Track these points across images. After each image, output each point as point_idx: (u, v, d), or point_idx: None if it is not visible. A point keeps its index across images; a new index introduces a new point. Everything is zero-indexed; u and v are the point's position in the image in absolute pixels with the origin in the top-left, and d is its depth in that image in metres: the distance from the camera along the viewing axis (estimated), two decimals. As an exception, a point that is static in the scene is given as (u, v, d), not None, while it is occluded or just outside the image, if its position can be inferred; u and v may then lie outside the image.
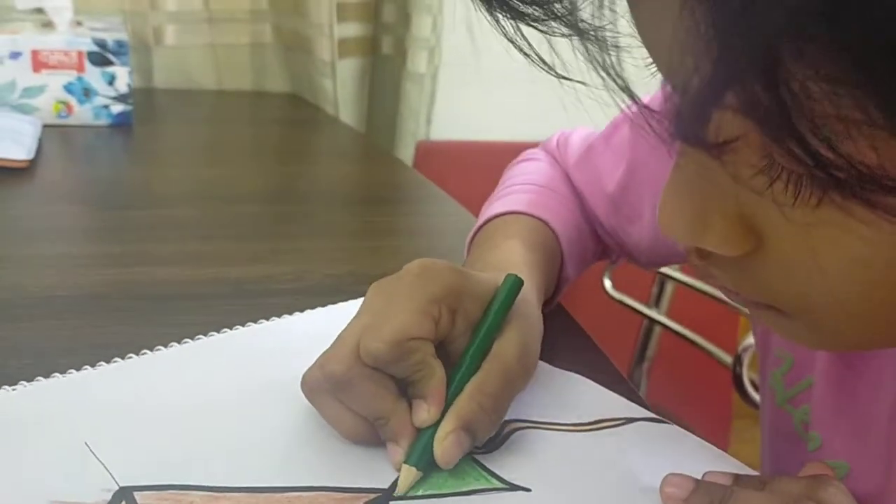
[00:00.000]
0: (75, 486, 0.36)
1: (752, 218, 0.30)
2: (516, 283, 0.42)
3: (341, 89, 1.41)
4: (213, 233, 0.74)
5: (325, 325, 0.53)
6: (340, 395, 0.39)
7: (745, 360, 0.85)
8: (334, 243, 0.75)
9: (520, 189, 0.63)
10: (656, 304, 1.23)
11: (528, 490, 0.39)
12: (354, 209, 0.88)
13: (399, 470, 0.39)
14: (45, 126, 1.01)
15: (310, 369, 0.40)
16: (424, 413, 0.39)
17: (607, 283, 1.22)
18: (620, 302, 1.21)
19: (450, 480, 0.39)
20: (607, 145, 0.62)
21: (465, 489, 0.39)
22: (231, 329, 0.51)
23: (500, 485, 0.39)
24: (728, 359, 0.96)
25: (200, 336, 0.50)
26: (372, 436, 0.40)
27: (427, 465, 0.39)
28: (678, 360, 1.34)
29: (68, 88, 1.06)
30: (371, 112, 1.50)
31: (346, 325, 0.41)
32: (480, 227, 0.60)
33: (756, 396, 0.84)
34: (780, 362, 0.51)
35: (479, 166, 1.06)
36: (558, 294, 0.59)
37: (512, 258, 0.52)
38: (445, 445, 0.39)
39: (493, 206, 0.62)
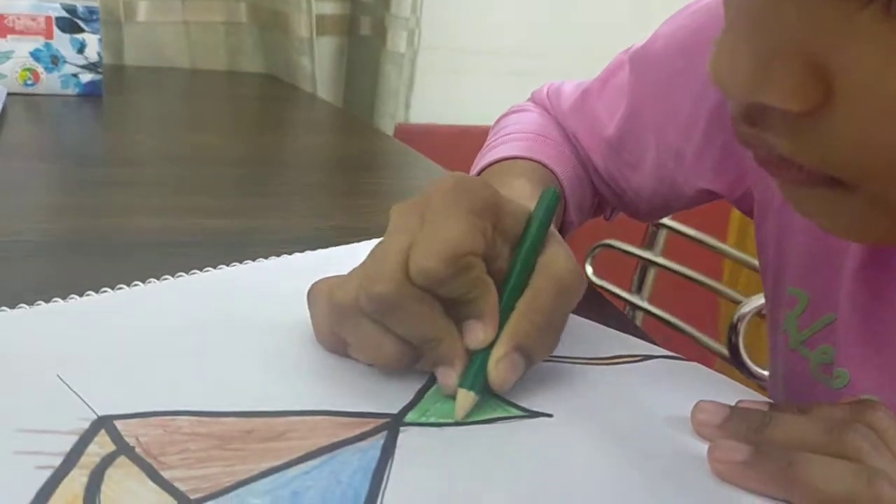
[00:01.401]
0: (48, 415, 0.32)
1: (824, 64, 0.27)
2: (556, 196, 0.39)
3: (319, 68, 1.37)
4: (191, 189, 0.70)
5: (322, 264, 0.50)
6: (386, 318, 0.35)
7: (742, 329, 0.82)
8: (318, 201, 0.72)
9: (514, 137, 0.60)
10: (638, 290, 1.21)
11: (549, 416, 0.35)
12: (336, 173, 0.85)
13: (450, 394, 0.36)
14: (10, 95, 0.96)
15: (339, 292, 0.36)
16: (481, 333, 0.36)
17: (588, 269, 1.19)
18: (602, 288, 1.19)
19: (464, 409, 0.36)
20: (604, 88, 0.59)
21: (482, 418, 0.35)
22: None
23: (519, 413, 0.36)
24: (711, 342, 0.94)
25: (182, 274, 0.46)
26: (413, 362, 0.36)
27: (482, 388, 0.35)
28: (660, 346, 1.33)
29: (35, 55, 1.01)
30: (348, 93, 1.47)
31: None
32: (478, 174, 0.57)
33: (754, 367, 0.82)
34: (794, 302, 0.48)
35: (457, 150, 1.04)
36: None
37: (522, 196, 0.49)
38: (500, 369, 0.35)
39: (489, 155, 0.59)
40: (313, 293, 0.39)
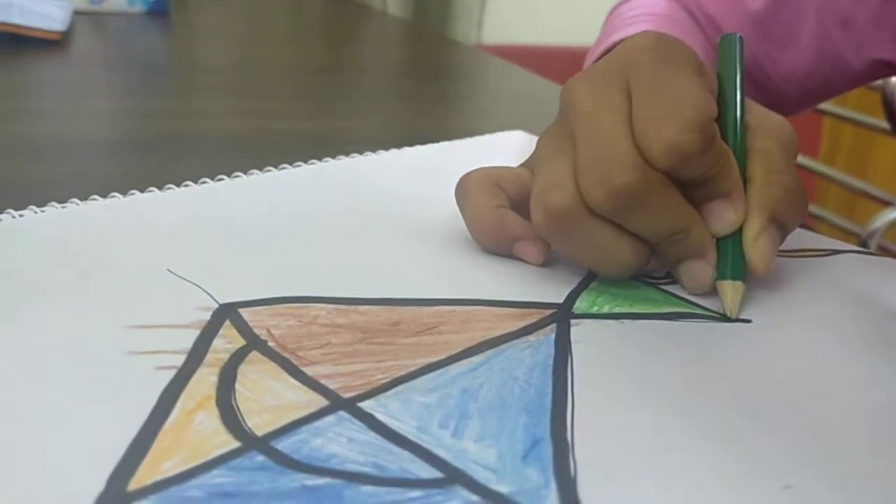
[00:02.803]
0: (161, 308, 0.27)
1: None
2: (741, 39, 0.33)
3: (388, -15, 1.31)
4: (272, 94, 0.65)
5: (436, 158, 0.45)
6: (628, 214, 0.28)
7: (872, 246, 0.75)
8: (410, 106, 0.66)
9: (639, 19, 0.53)
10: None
11: (747, 321, 0.29)
12: (418, 80, 0.79)
13: (702, 291, 0.31)
14: (76, 14, 0.92)
15: (555, 195, 0.28)
16: (731, 213, 0.30)
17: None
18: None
19: (640, 301, 0.30)
20: None
21: (661, 311, 0.29)
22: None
23: (706, 311, 0.30)
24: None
25: (286, 166, 0.41)
26: (646, 263, 0.30)
27: (744, 276, 0.30)
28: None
29: (99, -30, 0.97)
30: (418, 14, 1.40)
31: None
32: (600, 58, 0.51)
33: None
34: None
35: (534, 71, 0.98)
36: None
37: None
38: (761, 247, 0.30)
39: (613, 36, 0.52)
40: (464, 186, 0.33)
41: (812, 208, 0.98)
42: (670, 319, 0.29)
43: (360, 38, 1.03)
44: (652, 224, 0.29)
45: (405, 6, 1.38)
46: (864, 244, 0.76)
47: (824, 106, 0.94)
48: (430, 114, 0.63)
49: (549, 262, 0.32)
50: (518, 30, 1.46)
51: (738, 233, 0.30)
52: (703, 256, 0.30)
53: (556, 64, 1.13)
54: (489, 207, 0.32)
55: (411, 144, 0.47)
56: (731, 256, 0.30)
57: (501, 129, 0.52)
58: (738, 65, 0.32)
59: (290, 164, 0.42)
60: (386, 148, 0.46)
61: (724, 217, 0.30)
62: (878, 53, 0.46)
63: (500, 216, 0.32)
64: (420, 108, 0.65)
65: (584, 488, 0.20)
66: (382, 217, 0.36)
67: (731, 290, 0.30)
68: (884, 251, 0.87)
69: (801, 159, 1.00)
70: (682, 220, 0.29)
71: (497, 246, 0.32)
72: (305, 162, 0.42)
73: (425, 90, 0.73)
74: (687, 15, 0.55)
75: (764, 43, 0.51)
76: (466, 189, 0.33)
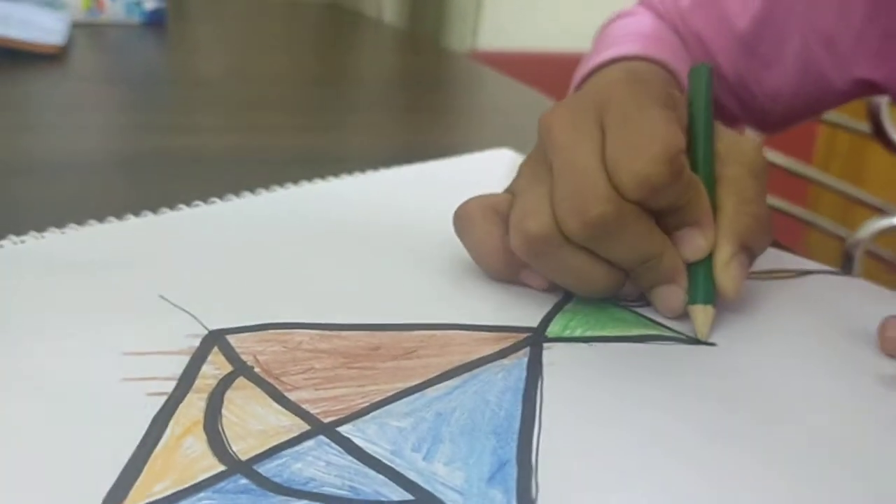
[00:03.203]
0: (153, 335, 0.28)
1: None
2: (710, 70, 0.34)
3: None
4: (266, 107, 0.66)
5: (424, 178, 0.46)
6: (602, 242, 0.30)
7: (858, 257, 0.76)
8: (404, 119, 0.67)
9: (625, 39, 0.55)
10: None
11: (712, 345, 0.31)
12: (412, 92, 0.80)
13: (673, 316, 0.32)
14: (74, 25, 0.93)
15: (532, 222, 0.30)
16: (701, 240, 0.31)
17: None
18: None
19: (610, 323, 0.31)
20: None
21: (632, 333, 0.31)
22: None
23: (674, 334, 0.31)
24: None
25: (276, 187, 0.43)
26: (621, 287, 0.32)
27: (715, 300, 0.32)
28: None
29: (97, -18, 0.98)
30: (413, 21, 1.41)
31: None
32: (587, 76, 0.52)
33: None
34: None
35: (531, 78, 0.99)
36: None
37: None
38: (732, 273, 0.31)
39: (599, 55, 0.53)
40: (466, 216, 0.34)
41: (805, 214, 0.99)
42: (639, 342, 0.30)
43: (356, 49, 1.04)
44: (625, 251, 0.30)
45: (400, 13, 1.40)
46: (848, 253, 0.77)
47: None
48: (423, 127, 0.65)
49: (551, 287, 0.33)
50: (514, 35, 1.47)
51: (709, 259, 0.32)
52: (675, 281, 0.31)
53: (552, 69, 1.14)
54: (497, 236, 0.33)
55: (404, 159, 0.48)
56: (701, 281, 0.31)
57: (494, 143, 0.53)
58: (706, 95, 0.34)
59: (282, 184, 0.43)
60: (378, 164, 0.48)
61: (694, 244, 0.31)
62: (860, 73, 0.47)
63: (509, 245, 0.33)
64: (413, 122, 0.67)
65: (547, 509, 0.22)
66: (368, 240, 0.37)
67: (701, 313, 0.31)
68: (873, 257, 0.88)
69: (794, 165, 1.01)
70: (654, 247, 0.31)
71: (505, 273, 0.34)
72: (296, 183, 0.44)
73: (419, 103, 0.75)
74: (674, 35, 0.57)
75: (750, 63, 0.52)
76: (470, 219, 0.34)
